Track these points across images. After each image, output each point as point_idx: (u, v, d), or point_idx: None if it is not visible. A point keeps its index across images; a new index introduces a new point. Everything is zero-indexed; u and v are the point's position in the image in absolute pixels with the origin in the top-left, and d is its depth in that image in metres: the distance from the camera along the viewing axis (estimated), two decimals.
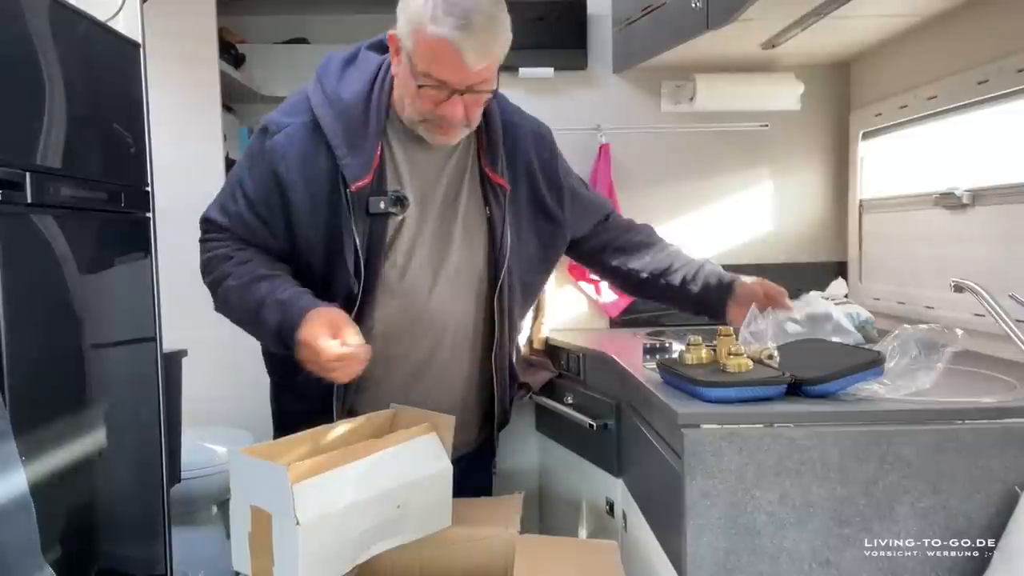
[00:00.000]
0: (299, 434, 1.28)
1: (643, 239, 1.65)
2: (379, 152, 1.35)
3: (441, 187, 1.41)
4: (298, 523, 1.08)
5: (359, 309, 1.36)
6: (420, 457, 1.28)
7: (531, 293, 1.58)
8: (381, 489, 1.21)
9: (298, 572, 1.10)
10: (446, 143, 1.37)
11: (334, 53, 1.42)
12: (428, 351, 1.44)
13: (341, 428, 1.31)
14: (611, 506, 1.74)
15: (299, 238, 1.37)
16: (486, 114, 1.40)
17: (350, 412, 1.44)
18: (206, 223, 1.44)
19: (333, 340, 1.23)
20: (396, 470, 1.23)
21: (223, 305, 1.40)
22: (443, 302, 1.42)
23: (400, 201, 1.36)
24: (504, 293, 1.45)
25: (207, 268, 1.42)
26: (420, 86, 1.27)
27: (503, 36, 1.26)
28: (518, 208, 1.46)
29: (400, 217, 1.37)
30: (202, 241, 1.44)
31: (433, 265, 1.41)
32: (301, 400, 1.46)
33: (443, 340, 1.44)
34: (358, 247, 1.33)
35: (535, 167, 1.48)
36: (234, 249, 1.39)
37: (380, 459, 1.22)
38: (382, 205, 1.34)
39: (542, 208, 1.50)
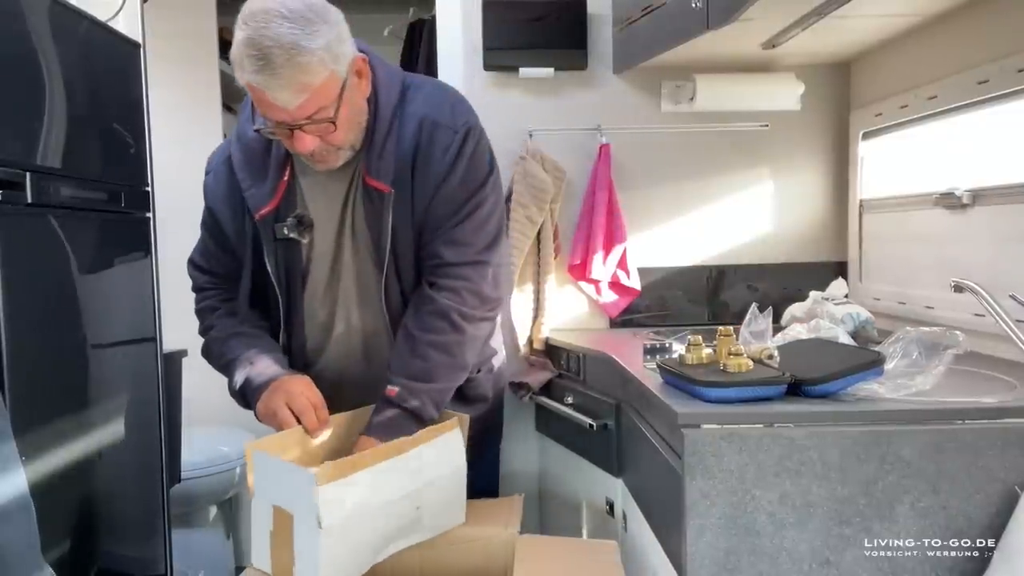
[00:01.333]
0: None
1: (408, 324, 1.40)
2: (285, 179, 1.37)
3: (336, 204, 1.39)
4: (321, 527, 1.09)
5: (287, 330, 1.44)
6: (441, 455, 1.29)
7: None
8: (403, 492, 1.22)
9: (318, 573, 1.11)
10: (331, 167, 1.33)
11: None
12: (352, 364, 1.46)
13: (354, 418, 1.35)
14: (611, 506, 1.74)
15: (243, 262, 1.44)
16: (376, 115, 1.33)
17: None
18: (190, 265, 1.53)
19: (287, 412, 1.31)
20: (418, 471, 1.25)
21: (206, 354, 1.48)
22: (346, 314, 1.44)
23: (300, 224, 1.36)
24: (391, 296, 1.39)
25: (199, 318, 1.50)
26: (257, 130, 1.29)
27: (314, 63, 1.17)
28: (405, 203, 1.34)
29: (307, 239, 1.38)
30: (193, 291, 1.52)
31: (336, 281, 1.42)
32: None
33: (356, 354, 1.46)
34: (271, 272, 1.39)
35: (422, 159, 1.34)
36: (220, 300, 1.48)
37: (404, 461, 1.22)
38: (285, 230, 1.36)
39: (420, 199, 1.35)
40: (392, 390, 1.33)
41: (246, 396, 1.37)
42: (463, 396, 1.52)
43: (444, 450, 1.30)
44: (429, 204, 1.35)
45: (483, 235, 1.39)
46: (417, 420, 1.33)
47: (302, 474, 1.11)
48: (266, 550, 1.19)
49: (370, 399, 1.40)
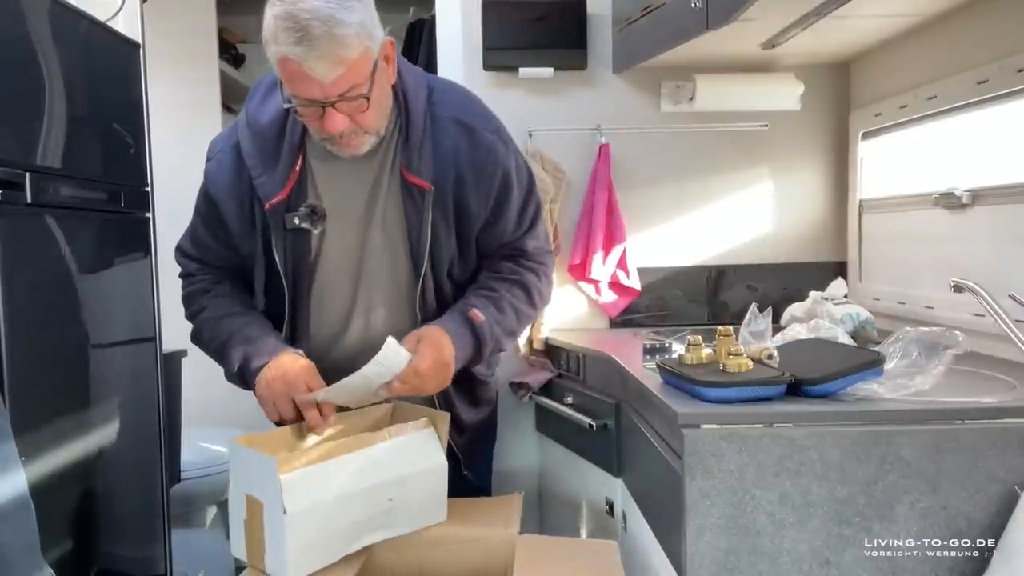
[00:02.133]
0: (298, 424, 1.31)
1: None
2: (297, 168, 1.35)
3: (360, 196, 1.37)
4: (285, 512, 1.11)
5: (292, 322, 1.40)
6: (415, 452, 1.29)
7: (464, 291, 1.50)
8: (373, 483, 1.22)
9: (286, 560, 1.13)
10: (356, 153, 1.31)
11: (266, 75, 1.42)
12: (362, 361, 1.43)
13: (340, 421, 1.33)
14: (611, 506, 1.74)
15: (241, 254, 1.41)
16: (407, 111, 1.34)
17: None
18: (177, 252, 1.50)
19: (288, 405, 1.28)
20: (390, 464, 1.25)
21: (197, 338, 1.44)
22: (366, 311, 1.41)
23: (312, 215, 1.34)
24: (427, 297, 1.39)
25: (187, 303, 1.47)
26: (287, 108, 1.26)
27: (351, 37, 1.17)
28: (445, 204, 1.36)
29: (319, 230, 1.36)
30: (181, 276, 1.49)
31: (355, 276, 1.39)
32: None
33: (374, 350, 1.42)
34: (279, 263, 1.36)
35: (464, 162, 1.35)
36: (210, 283, 1.45)
37: (373, 452, 1.23)
38: (296, 220, 1.34)
39: (464, 205, 1.37)
40: (478, 316, 1.35)
41: (245, 377, 1.33)
42: (476, 398, 1.53)
43: (417, 446, 1.30)
44: (500, 211, 1.39)
45: (544, 224, 1.51)
46: (475, 356, 1.36)
47: (266, 460, 1.13)
48: (242, 539, 1.22)
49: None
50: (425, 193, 1.33)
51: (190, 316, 1.45)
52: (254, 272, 1.39)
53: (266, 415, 1.33)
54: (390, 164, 1.36)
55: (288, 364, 1.30)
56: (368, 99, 1.23)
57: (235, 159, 1.37)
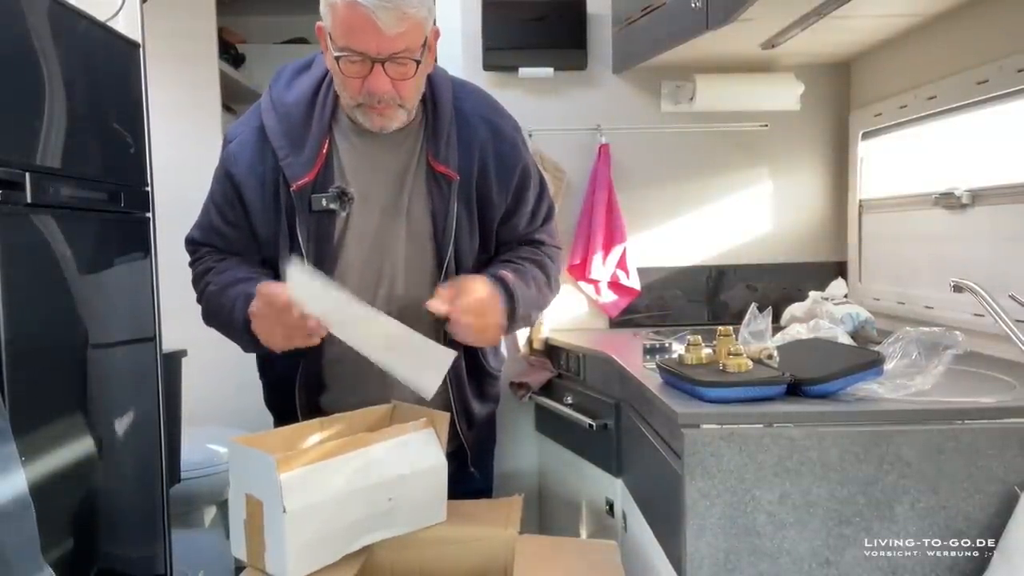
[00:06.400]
0: (298, 425, 1.32)
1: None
2: (324, 150, 1.35)
3: (386, 183, 1.38)
4: (285, 511, 1.11)
5: None
6: (415, 451, 1.29)
7: None
8: (372, 481, 1.22)
9: (286, 559, 1.13)
10: (385, 126, 1.31)
11: (289, 63, 1.43)
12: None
13: (340, 421, 1.34)
14: (611, 506, 1.74)
15: (259, 238, 1.40)
16: (435, 102, 1.36)
17: (316, 410, 1.44)
18: (188, 244, 1.48)
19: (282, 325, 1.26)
20: (389, 463, 1.25)
21: (206, 315, 1.43)
22: (390, 299, 1.40)
23: (341, 197, 1.34)
24: None
25: (195, 286, 1.45)
26: (338, 58, 1.24)
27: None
28: (468, 195, 1.39)
29: (344, 214, 1.35)
30: (190, 265, 1.48)
31: (378, 261, 1.39)
32: (274, 396, 1.53)
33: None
34: (302, 246, 1.35)
35: (489, 154, 1.39)
36: (214, 260, 1.43)
37: (373, 452, 1.24)
38: (324, 202, 1.34)
39: (487, 196, 1.41)
40: (507, 276, 1.37)
41: (249, 326, 1.31)
42: (485, 393, 1.54)
43: (417, 446, 1.30)
44: (518, 204, 1.44)
45: (555, 223, 1.56)
46: (509, 317, 1.36)
47: (266, 459, 1.13)
48: (242, 539, 1.22)
49: (396, 394, 1.40)
50: (452, 183, 1.36)
51: (198, 299, 1.44)
52: (278, 255, 1.37)
53: (275, 348, 1.30)
54: (417, 153, 1.38)
55: (269, 289, 1.27)
56: (418, 64, 1.25)
57: (259, 140, 1.36)
